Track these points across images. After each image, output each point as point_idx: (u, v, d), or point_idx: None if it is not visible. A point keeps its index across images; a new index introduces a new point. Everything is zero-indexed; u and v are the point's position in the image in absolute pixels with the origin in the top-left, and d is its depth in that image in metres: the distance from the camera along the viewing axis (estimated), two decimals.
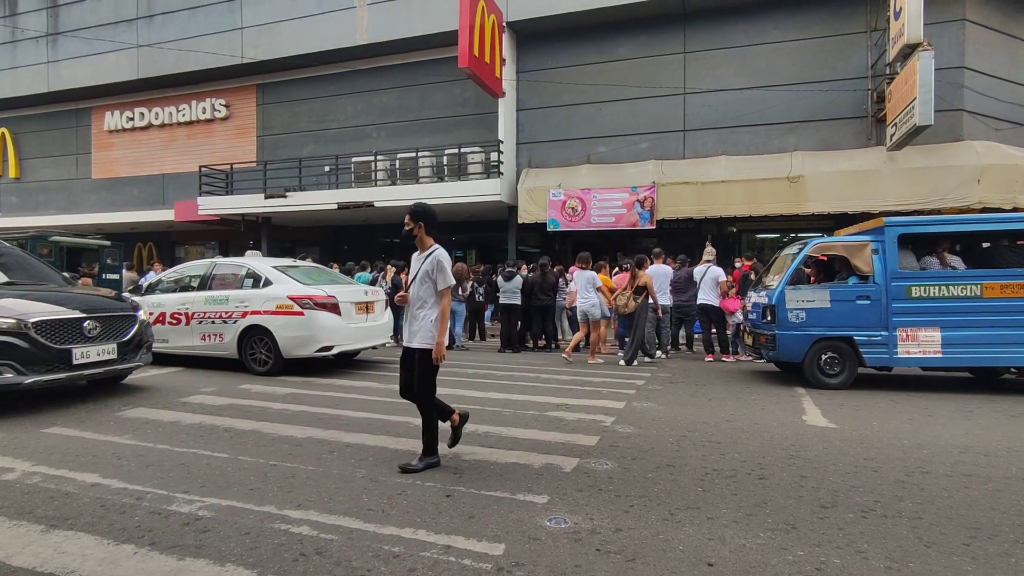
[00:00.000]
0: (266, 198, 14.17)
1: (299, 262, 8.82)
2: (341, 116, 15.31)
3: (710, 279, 8.76)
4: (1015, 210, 9.44)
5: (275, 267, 7.66)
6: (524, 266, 10.89)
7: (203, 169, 15.28)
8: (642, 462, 3.79)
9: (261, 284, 7.37)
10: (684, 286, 9.22)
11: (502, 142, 12.71)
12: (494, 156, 12.71)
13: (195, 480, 3.40)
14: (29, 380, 4.75)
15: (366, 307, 7.79)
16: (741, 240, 13.09)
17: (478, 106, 13.61)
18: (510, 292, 9.94)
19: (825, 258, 7.34)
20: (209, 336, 7.50)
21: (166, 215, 16.36)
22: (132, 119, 17.63)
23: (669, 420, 4.95)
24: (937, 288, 6.30)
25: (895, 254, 6.37)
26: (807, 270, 7.41)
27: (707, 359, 8.72)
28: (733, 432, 4.60)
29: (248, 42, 15.26)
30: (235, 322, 7.31)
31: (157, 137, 17.49)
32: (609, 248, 13.13)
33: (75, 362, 5.10)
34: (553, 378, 7.12)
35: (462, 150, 13.05)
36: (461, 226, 15.60)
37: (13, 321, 4.74)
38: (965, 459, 3.91)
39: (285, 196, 14.03)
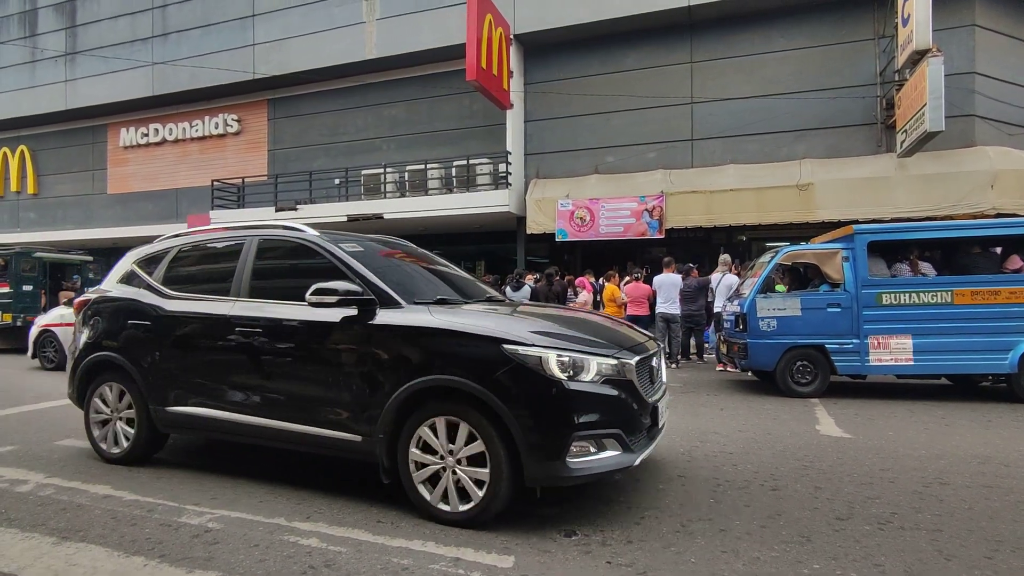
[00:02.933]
0: (277, 211, 14.31)
1: None
2: (351, 129, 15.48)
3: (724, 287, 8.72)
4: None
5: None
6: (530, 275, 10.88)
7: (215, 183, 15.49)
8: (653, 473, 3.75)
9: None
10: (694, 295, 9.18)
11: (510, 153, 12.78)
12: (502, 167, 12.77)
13: (205, 492, 3.41)
14: (638, 458, 2.89)
15: None
16: (751, 248, 13.01)
17: (486, 118, 13.70)
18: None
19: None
20: None
21: (179, 229, 16.54)
22: (147, 135, 17.94)
23: (680, 430, 4.90)
24: (907, 295, 6.27)
25: (865, 261, 6.36)
26: (776, 277, 7.40)
27: (718, 368, 8.65)
28: (745, 442, 4.54)
29: (259, 58, 15.52)
30: None
31: (171, 152, 17.77)
32: (618, 258, 13.09)
33: (660, 422, 3.26)
34: None
35: (470, 162, 13.12)
36: (470, 237, 15.65)
37: (613, 363, 2.87)
38: (985, 470, 3.83)
39: (296, 209, 14.16)
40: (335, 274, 3.26)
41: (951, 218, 9.62)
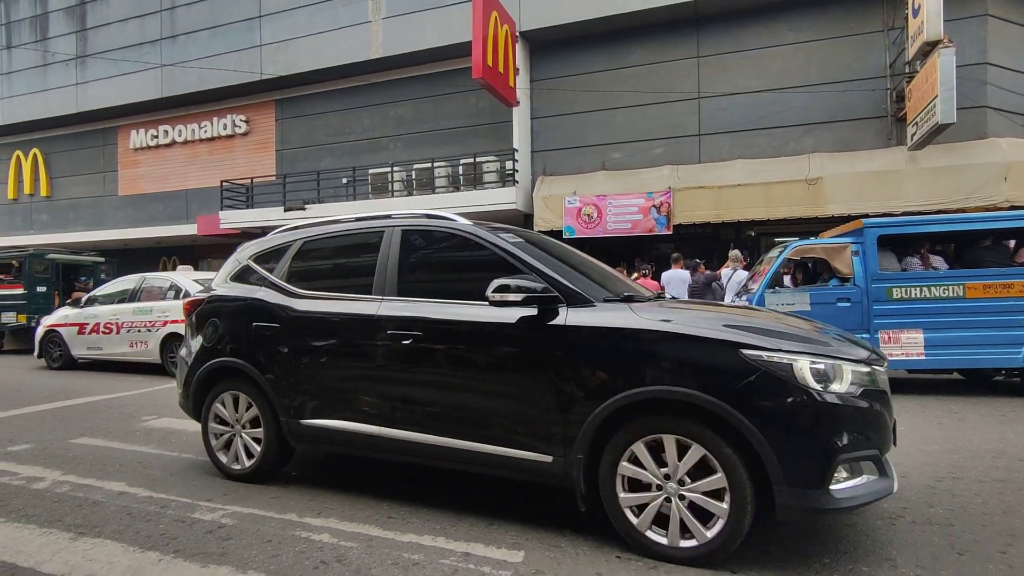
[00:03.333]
0: (285, 211, 14.39)
1: None
2: (357, 129, 15.53)
3: (734, 283, 8.69)
4: None
5: (196, 280, 8.37)
6: None
7: (224, 184, 15.60)
8: None
9: (181, 296, 8.05)
10: (701, 291, 9.14)
11: (517, 151, 12.77)
12: (509, 165, 12.77)
13: (218, 488, 3.45)
14: (895, 484, 2.49)
15: None
16: (760, 243, 12.93)
17: (492, 115, 13.70)
18: None
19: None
20: (136, 343, 8.23)
21: (189, 229, 16.72)
22: (156, 137, 18.10)
23: None
24: (918, 289, 6.22)
25: (875, 255, 6.31)
26: (785, 271, 7.36)
27: None
28: None
29: (267, 59, 15.60)
30: (157, 330, 8.02)
31: (180, 154, 17.92)
32: (626, 254, 13.06)
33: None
34: None
35: (477, 159, 13.13)
36: None
37: (866, 370, 2.47)
38: (999, 464, 3.80)
39: (304, 208, 14.23)
40: (502, 268, 2.88)
41: (963, 211, 9.51)
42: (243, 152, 17.02)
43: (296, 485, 3.49)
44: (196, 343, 3.83)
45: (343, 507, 3.12)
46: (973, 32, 10.39)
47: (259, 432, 3.53)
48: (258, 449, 3.53)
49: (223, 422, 3.69)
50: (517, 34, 12.68)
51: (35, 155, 19.94)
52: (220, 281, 3.96)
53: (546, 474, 2.68)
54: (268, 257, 3.80)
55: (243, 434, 3.61)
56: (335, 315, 3.30)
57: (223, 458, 3.67)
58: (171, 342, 7.95)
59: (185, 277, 8.65)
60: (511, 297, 2.68)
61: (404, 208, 13.09)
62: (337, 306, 3.32)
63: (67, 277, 13.27)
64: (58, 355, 9.20)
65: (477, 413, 2.85)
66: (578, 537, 2.71)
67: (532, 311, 2.72)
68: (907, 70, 10.40)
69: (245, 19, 16.04)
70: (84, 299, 9.33)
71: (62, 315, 9.35)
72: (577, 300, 2.71)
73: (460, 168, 13.53)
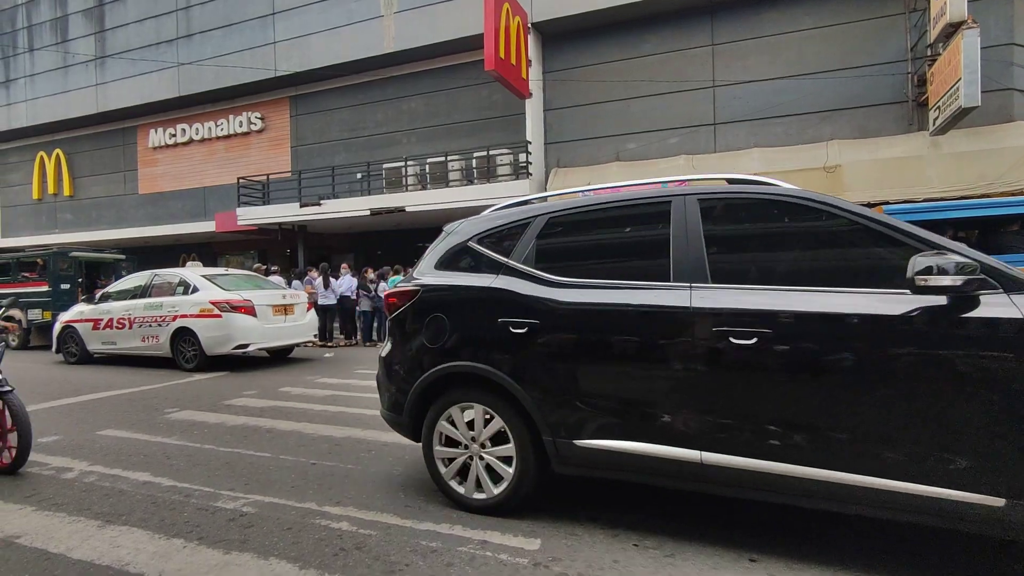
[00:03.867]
0: (301, 207, 14.54)
1: (230, 271, 9.78)
2: (371, 124, 15.61)
3: None
4: None
5: (203, 276, 8.61)
6: None
7: (241, 181, 15.79)
8: None
9: (190, 291, 8.28)
10: None
11: (530, 143, 12.73)
12: (523, 157, 12.74)
13: (239, 478, 3.51)
14: None
15: (284, 309, 8.64)
16: None
17: (505, 108, 13.67)
18: None
19: None
20: (148, 338, 8.42)
21: (207, 226, 16.98)
22: (174, 135, 18.38)
23: None
24: None
25: None
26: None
27: None
28: None
29: (281, 56, 15.73)
30: (168, 325, 8.23)
31: (198, 152, 18.18)
32: None
33: None
34: None
35: (491, 152, 13.12)
36: None
37: None
38: None
39: (319, 204, 14.36)
40: (862, 243, 2.34)
41: (988, 197, 9.28)
42: (259, 149, 17.22)
43: (314, 475, 3.54)
44: (411, 344, 3.09)
45: (360, 496, 3.16)
46: (999, 12, 10.11)
47: (500, 450, 2.85)
48: (509, 471, 2.82)
49: (452, 443, 3.00)
50: (529, 25, 12.62)
51: (58, 155, 20.36)
52: (428, 268, 3.24)
53: (992, 522, 1.98)
54: (498, 237, 3.09)
55: (483, 454, 2.90)
56: (624, 308, 2.59)
57: (459, 488, 2.96)
58: (181, 336, 8.16)
59: (193, 273, 8.82)
60: (944, 281, 2.03)
61: (418, 202, 13.14)
62: (623, 296, 2.61)
63: (89, 275, 13.56)
64: (75, 350, 9.42)
65: (868, 436, 2.14)
66: (594, 525, 2.72)
67: (938, 300, 2.10)
68: (929, 53, 10.15)
69: (259, 16, 16.18)
70: (98, 295, 9.53)
71: (77, 311, 9.56)
72: (1019, 286, 2.07)
73: (474, 161, 13.53)
